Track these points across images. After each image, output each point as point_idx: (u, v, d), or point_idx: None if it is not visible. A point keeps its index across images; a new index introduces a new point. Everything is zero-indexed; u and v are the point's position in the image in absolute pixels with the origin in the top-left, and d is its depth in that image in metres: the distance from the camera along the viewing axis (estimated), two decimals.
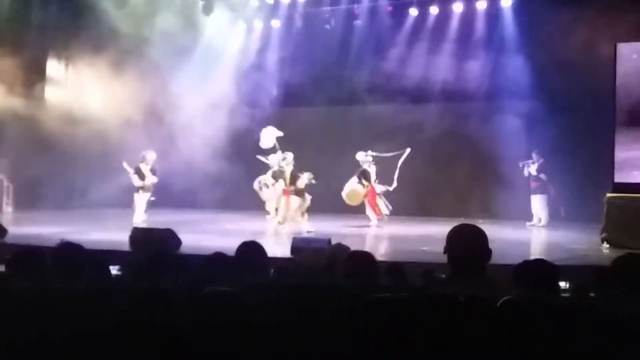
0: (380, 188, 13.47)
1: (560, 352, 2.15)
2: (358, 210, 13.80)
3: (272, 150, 13.87)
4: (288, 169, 12.50)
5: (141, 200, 13.36)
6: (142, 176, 13.36)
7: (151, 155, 13.56)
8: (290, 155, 12.63)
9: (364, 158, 13.46)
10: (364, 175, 13.38)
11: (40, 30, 15.64)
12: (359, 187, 13.38)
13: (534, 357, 2.19)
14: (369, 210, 13.50)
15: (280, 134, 13.96)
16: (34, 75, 16.05)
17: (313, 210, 12.72)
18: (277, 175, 13.26)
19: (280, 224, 12.55)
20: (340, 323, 2.31)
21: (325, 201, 14.14)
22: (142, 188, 13.29)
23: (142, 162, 13.47)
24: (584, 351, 2.12)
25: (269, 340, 2.36)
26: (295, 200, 12.36)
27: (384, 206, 13.48)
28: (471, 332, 2.25)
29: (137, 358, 2.56)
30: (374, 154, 13.53)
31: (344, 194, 13.49)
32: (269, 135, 14.04)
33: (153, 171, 13.47)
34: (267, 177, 13.98)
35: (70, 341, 2.59)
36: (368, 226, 13.21)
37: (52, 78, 16.85)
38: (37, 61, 16.30)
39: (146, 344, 2.54)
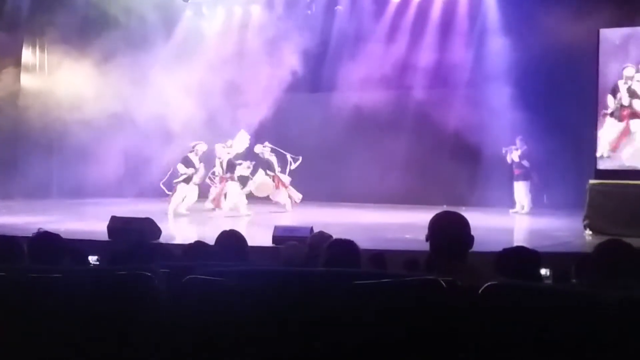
0: (285, 179, 14.11)
1: (541, 337, 2.16)
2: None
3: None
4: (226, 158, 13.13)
5: (185, 191, 13.08)
6: (190, 166, 13.14)
7: (202, 147, 13.36)
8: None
9: (262, 149, 14.00)
10: (268, 165, 13.94)
11: (14, 14, 15.36)
12: (267, 179, 13.94)
13: (516, 342, 2.20)
14: (282, 197, 14.03)
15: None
16: (8, 60, 15.76)
17: None
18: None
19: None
20: (322, 309, 2.30)
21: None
22: (190, 179, 13.11)
23: (191, 151, 13.26)
24: (565, 336, 2.13)
25: (250, 327, 2.35)
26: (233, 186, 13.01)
27: (295, 192, 14.15)
28: (453, 318, 2.25)
29: (117, 347, 2.53)
30: (271, 146, 14.12)
31: (253, 187, 13.85)
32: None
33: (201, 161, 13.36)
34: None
35: (49, 330, 2.56)
36: (284, 211, 13.72)
37: (27, 64, 16.50)
38: (12, 46, 15.97)
39: (126, 333, 2.52)
